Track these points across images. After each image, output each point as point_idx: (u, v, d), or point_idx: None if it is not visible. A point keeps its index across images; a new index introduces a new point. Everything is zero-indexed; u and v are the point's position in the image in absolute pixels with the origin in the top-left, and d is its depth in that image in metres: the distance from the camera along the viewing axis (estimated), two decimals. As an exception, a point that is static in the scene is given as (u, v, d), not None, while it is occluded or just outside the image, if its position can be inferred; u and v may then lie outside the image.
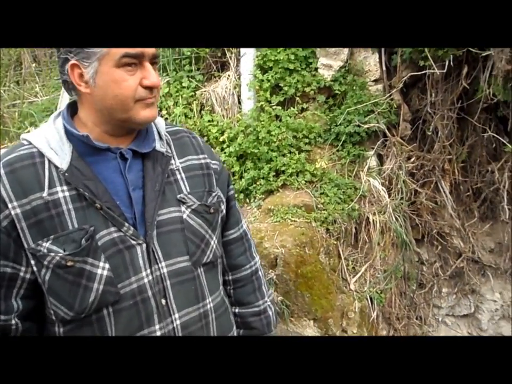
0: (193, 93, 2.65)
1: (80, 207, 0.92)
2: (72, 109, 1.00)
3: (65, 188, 0.92)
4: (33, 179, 0.91)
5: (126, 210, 0.96)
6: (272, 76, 2.50)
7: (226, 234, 1.20)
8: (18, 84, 3.84)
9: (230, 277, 1.22)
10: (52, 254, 0.90)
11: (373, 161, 2.47)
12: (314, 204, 2.25)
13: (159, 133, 1.07)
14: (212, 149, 1.20)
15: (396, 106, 2.49)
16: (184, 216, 1.02)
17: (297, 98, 2.53)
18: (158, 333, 0.95)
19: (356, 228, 2.33)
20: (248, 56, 2.55)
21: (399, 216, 2.37)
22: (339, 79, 2.51)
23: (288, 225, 2.14)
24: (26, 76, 3.86)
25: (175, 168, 1.05)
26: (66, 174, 0.91)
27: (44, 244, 0.90)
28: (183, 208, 1.03)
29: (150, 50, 0.94)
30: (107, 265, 0.92)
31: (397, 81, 2.47)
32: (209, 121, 2.54)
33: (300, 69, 2.53)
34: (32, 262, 0.92)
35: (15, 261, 0.92)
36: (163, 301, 0.97)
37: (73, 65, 0.92)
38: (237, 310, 1.22)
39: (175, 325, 0.98)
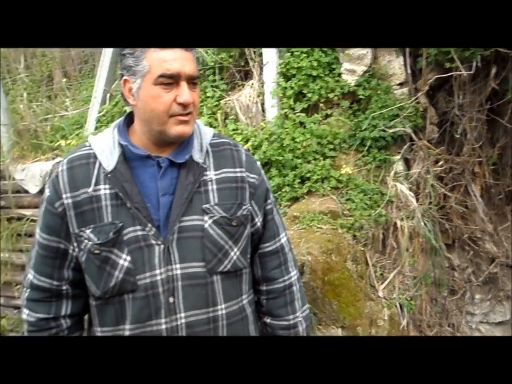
0: (217, 103, 2.68)
1: (115, 205, 1.05)
2: (131, 117, 1.14)
3: (107, 186, 1.06)
4: (85, 176, 1.07)
5: (155, 212, 1.07)
6: (295, 83, 2.50)
7: (262, 247, 1.24)
8: (50, 98, 3.99)
9: (264, 288, 1.25)
10: (86, 241, 1.05)
11: (399, 166, 2.44)
12: (340, 210, 2.23)
13: (201, 144, 1.13)
14: (256, 163, 1.22)
15: (422, 110, 2.45)
16: (206, 225, 1.09)
17: (321, 104, 2.52)
18: (163, 326, 1.06)
19: (383, 233, 2.30)
20: (271, 64, 2.56)
21: (428, 221, 2.33)
22: (363, 84, 2.49)
23: (314, 232, 2.14)
24: (57, 91, 4.01)
25: (208, 179, 1.12)
26: (108, 175, 1.05)
27: (86, 231, 1.05)
28: (206, 217, 1.10)
29: (187, 71, 1.04)
30: (128, 258, 1.05)
31: (423, 84, 2.43)
32: (233, 130, 2.57)
33: (323, 75, 2.52)
34: (75, 244, 1.08)
35: (66, 240, 1.09)
36: (171, 299, 1.06)
37: (125, 81, 1.07)
38: (268, 320, 1.25)
39: (179, 323, 1.06)
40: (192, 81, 1.06)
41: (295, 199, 2.39)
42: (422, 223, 2.30)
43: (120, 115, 3.06)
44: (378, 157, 2.41)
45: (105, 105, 3.16)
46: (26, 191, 3.09)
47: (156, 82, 1.02)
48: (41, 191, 3.02)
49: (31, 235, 3.21)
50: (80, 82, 4.02)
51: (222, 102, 2.69)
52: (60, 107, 3.71)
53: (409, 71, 2.50)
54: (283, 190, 2.40)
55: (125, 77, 1.07)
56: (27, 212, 3.18)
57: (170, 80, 1.02)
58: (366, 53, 2.53)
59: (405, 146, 2.44)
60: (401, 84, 2.53)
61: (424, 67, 2.41)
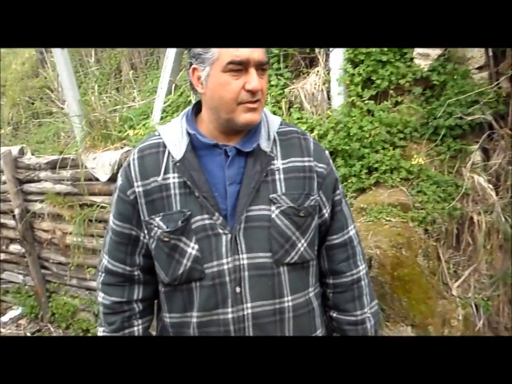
0: (281, 91, 2.64)
1: (183, 193, 1.06)
2: (199, 106, 1.14)
3: (176, 175, 1.06)
4: (155, 165, 1.08)
5: (222, 201, 1.06)
6: (363, 69, 2.40)
7: (329, 239, 1.20)
8: (118, 90, 4.15)
9: (331, 281, 1.22)
10: (156, 228, 1.07)
11: (477, 156, 2.26)
12: (411, 203, 2.12)
13: (268, 132, 1.11)
14: (324, 152, 1.18)
15: (504, 95, 2.25)
16: (273, 215, 1.07)
17: (391, 91, 2.40)
18: (230, 316, 1.05)
19: (457, 228, 2.16)
20: (338, 50, 2.47)
21: (508, 216, 2.14)
22: (438, 69, 2.33)
23: (382, 225, 2.04)
24: (125, 83, 4.16)
25: (275, 168, 1.10)
26: (177, 164, 1.06)
27: (156, 219, 1.07)
28: (273, 207, 1.07)
29: (256, 58, 1.02)
30: (196, 246, 1.05)
31: (506, 67, 2.23)
32: (298, 118, 2.52)
33: (393, 60, 2.39)
34: (145, 231, 1.10)
35: (137, 227, 1.12)
36: (237, 289, 1.05)
37: (194, 69, 1.07)
38: (334, 315, 1.22)
39: (245, 313, 1.05)
40: (260, 67, 1.03)
41: (361, 190, 2.31)
42: (502, 218, 2.12)
43: (185, 105, 3.11)
44: (454, 147, 2.25)
45: (171, 95, 3.22)
46: (97, 179, 3.24)
47: (224, 69, 1.01)
48: (110, 179, 3.16)
49: (101, 221, 3.37)
50: (146, 73, 4.14)
51: (286, 90, 2.64)
52: (127, 98, 3.85)
53: (490, 54, 2.31)
54: (349, 180, 2.32)
55: (193, 65, 1.06)
56: (97, 199, 3.34)
57: (239, 66, 1.00)
58: (441, 35, 2.37)
59: (484, 135, 2.26)
60: (480, 68, 2.33)
61: (508, 49, 2.21)
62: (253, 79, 1.01)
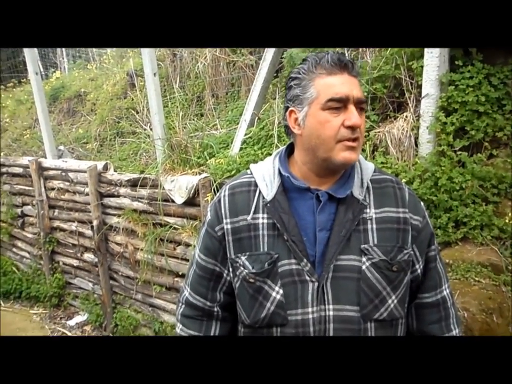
0: (366, 133, 2.61)
1: (272, 235, 1.05)
2: (291, 148, 1.14)
3: (265, 215, 1.06)
4: (245, 203, 1.08)
5: (310, 247, 1.03)
6: (457, 119, 2.32)
7: (420, 297, 1.15)
8: (199, 117, 4.32)
9: None
10: (242, 268, 1.06)
11: None
12: (504, 265, 1.98)
13: (362, 179, 1.08)
14: (420, 204, 1.13)
15: None
16: (363, 267, 1.03)
17: (486, 143, 2.29)
18: None
19: (555, 299, 1.98)
20: (431, 97, 2.42)
21: None
22: (541, 124, 2.21)
23: (471, 285, 1.93)
24: (206, 111, 4.33)
25: (368, 218, 1.06)
26: (268, 205, 1.05)
27: (242, 258, 1.06)
28: (363, 259, 1.03)
29: (355, 95, 1.01)
30: (281, 291, 1.03)
31: None
32: (382, 163, 2.47)
33: (490, 111, 2.30)
34: (230, 269, 1.11)
35: (221, 264, 1.12)
36: None
37: (291, 112, 1.08)
38: None
39: None
40: (359, 105, 1.02)
41: (446, 244, 2.20)
42: None
43: (266, 138, 3.17)
44: (555, 209, 2.10)
45: (253, 128, 3.30)
46: (172, 201, 3.36)
47: (324, 107, 1.00)
48: (185, 202, 3.27)
49: (172, 241, 3.48)
50: (227, 103, 4.28)
51: (371, 133, 2.61)
52: (208, 125, 4.00)
53: None
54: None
55: (290, 108, 1.07)
56: (171, 220, 3.47)
57: (339, 104, 1.00)
58: (545, 89, 2.25)
59: None
60: None
61: None
62: (353, 115, 1.00)
